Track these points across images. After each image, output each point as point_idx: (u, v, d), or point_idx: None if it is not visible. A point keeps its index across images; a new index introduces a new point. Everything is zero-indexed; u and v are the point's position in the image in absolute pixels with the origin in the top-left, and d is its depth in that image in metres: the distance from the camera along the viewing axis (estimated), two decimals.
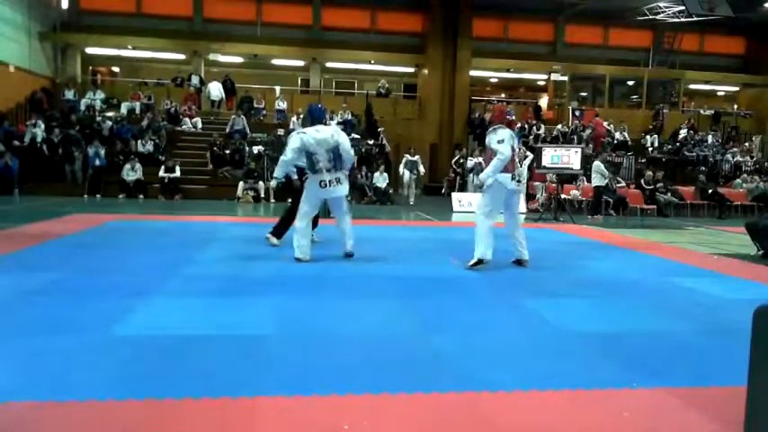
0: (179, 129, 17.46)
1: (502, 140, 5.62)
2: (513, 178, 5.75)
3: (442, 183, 17.93)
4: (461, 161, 16.79)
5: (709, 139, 20.46)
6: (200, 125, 17.90)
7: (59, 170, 14.28)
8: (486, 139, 5.87)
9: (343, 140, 5.94)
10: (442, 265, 6.05)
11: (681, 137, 20.44)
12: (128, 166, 14.00)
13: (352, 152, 6.09)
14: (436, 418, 2.44)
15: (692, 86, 24.27)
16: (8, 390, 2.52)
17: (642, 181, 15.08)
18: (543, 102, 23.36)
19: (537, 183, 15.07)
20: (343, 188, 5.99)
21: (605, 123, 20.14)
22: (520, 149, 5.82)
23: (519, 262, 6.01)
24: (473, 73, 20.92)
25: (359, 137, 17.63)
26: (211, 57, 20.50)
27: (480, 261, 5.72)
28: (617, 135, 19.74)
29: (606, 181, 13.77)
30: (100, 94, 18.19)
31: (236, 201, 13.82)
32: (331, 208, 6.35)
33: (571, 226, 10.72)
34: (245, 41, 20.04)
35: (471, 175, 15.13)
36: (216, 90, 19.27)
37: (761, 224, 6.99)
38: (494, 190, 5.76)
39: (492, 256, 5.73)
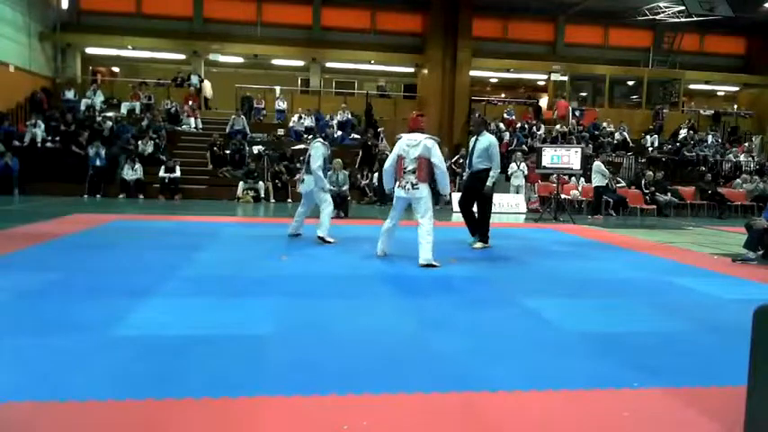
0: (179, 129, 17.48)
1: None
2: (399, 185, 6.15)
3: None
4: (461, 161, 16.78)
5: (709, 139, 20.46)
6: (200, 125, 17.93)
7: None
8: None
9: (314, 153, 7.26)
10: (442, 265, 6.04)
11: (681, 137, 20.44)
12: (127, 165, 14.01)
13: (314, 163, 7.20)
14: (436, 418, 2.44)
15: (692, 86, 24.26)
16: (8, 390, 2.52)
17: (642, 182, 15.09)
18: (543, 102, 23.36)
19: (529, 183, 15.13)
20: (304, 186, 7.42)
21: (601, 120, 20.17)
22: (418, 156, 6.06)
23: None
24: (473, 73, 20.90)
25: (359, 137, 17.65)
26: (211, 57, 20.50)
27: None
28: (617, 135, 19.76)
29: (606, 181, 13.77)
30: (100, 95, 18.20)
31: (236, 201, 13.83)
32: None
33: (571, 226, 10.72)
34: (245, 41, 20.04)
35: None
36: (209, 88, 19.90)
37: (754, 226, 6.99)
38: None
39: (386, 252, 6.41)
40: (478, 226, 7.39)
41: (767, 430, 2.07)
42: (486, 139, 7.22)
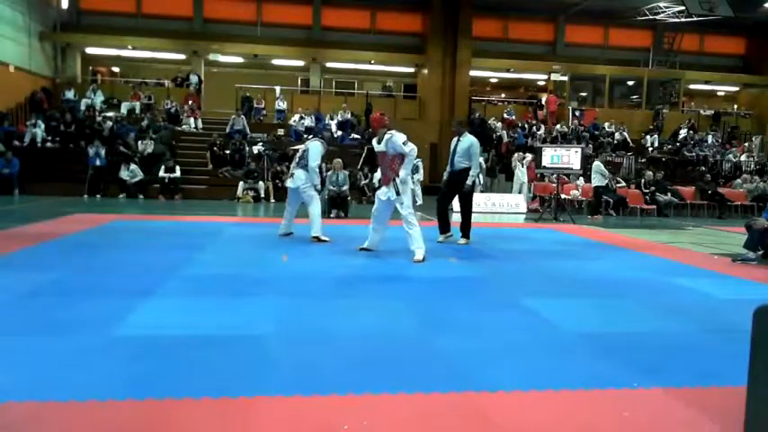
0: (179, 129, 17.48)
1: (405, 141, 6.15)
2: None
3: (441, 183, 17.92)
4: None
5: (709, 139, 20.48)
6: (200, 125, 17.93)
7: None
8: (383, 145, 6.22)
9: (311, 149, 7.30)
10: (442, 265, 6.05)
11: (681, 137, 20.46)
12: (123, 166, 13.99)
13: (313, 161, 7.23)
14: (436, 418, 2.44)
15: (692, 86, 24.26)
16: (8, 390, 2.52)
17: (642, 181, 15.09)
18: (544, 101, 23.39)
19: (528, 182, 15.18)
20: (293, 181, 7.36)
21: (602, 121, 20.16)
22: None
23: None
24: (473, 73, 20.90)
25: (359, 137, 17.64)
26: (211, 57, 20.52)
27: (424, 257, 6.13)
28: (617, 135, 19.77)
29: (606, 181, 13.78)
30: (100, 95, 18.21)
31: (236, 201, 13.83)
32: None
33: (571, 226, 10.72)
34: (245, 41, 20.04)
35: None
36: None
37: (754, 226, 6.98)
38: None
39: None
40: (464, 224, 7.68)
41: (767, 430, 2.07)
42: (468, 140, 7.50)
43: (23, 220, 8.54)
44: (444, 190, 7.83)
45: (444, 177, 7.87)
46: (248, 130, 17.20)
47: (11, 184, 13.29)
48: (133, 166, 14.03)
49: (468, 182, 7.40)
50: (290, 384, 2.69)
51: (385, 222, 6.56)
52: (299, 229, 7.69)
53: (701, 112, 23.85)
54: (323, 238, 7.21)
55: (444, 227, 7.77)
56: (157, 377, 2.74)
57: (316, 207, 7.32)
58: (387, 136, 6.20)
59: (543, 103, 22.18)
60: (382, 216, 6.49)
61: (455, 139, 7.63)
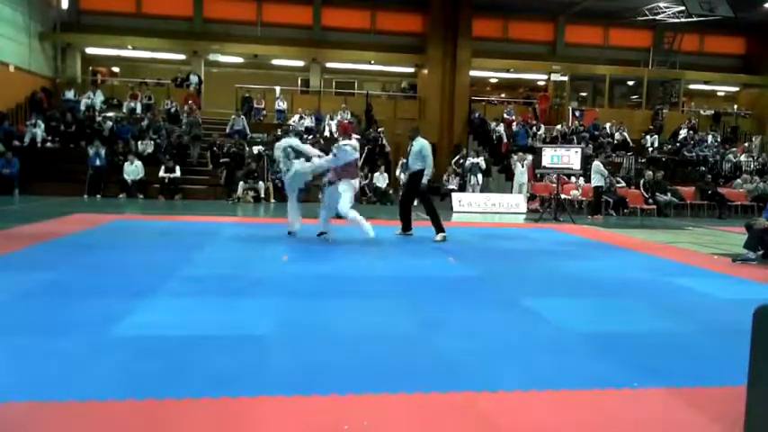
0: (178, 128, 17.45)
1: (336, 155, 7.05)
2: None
3: (441, 183, 17.90)
4: (461, 161, 16.79)
5: (709, 139, 20.46)
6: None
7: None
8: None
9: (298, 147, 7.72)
10: (442, 265, 6.05)
11: (681, 137, 20.44)
12: (127, 162, 14.01)
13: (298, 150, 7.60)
14: (436, 418, 2.44)
15: (692, 86, 24.23)
16: (8, 390, 2.52)
17: (642, 181, 15.09)
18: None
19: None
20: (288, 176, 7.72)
21: (603, 122, 20.15)
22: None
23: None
24: (473, 73, 20.89)
25: (359, 137, 17.62)
26: (211, 57, 20.50)
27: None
28: (617, 135, 19.76)
29: (607, 185, 13.79)
30: (100, 95, 18.19)
31: (237, 201, 13.82)
32: None
33: (571, 226, 10.72)
34: (245, 41, 20.03)
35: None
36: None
37: (754, 226, 6.98)
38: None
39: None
40: (432, 221, 8.03)
41: (767, 430, 2.07)
42: (419, 143, 7.96)
43: (23, 220, 8.53)
44: (404, 191, 8.47)
45: (403, 179, 8.41)
46: (248, 131, 17.19)
47: (11, 184, 13.29)
48: (137, 161, 14.02)
49: (424, 180, 7.83)
50: (290, 384, 2.69)
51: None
52: (305, 231, 7.67)
53: (701, 112, 23.83)
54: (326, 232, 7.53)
55: (406, 225, 8.20)
56: (157, 377, 2.74)
57: (294, 204, 7.70)
58: (341, 143, 7.02)
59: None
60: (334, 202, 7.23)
61: (410, 143, 8.14)
